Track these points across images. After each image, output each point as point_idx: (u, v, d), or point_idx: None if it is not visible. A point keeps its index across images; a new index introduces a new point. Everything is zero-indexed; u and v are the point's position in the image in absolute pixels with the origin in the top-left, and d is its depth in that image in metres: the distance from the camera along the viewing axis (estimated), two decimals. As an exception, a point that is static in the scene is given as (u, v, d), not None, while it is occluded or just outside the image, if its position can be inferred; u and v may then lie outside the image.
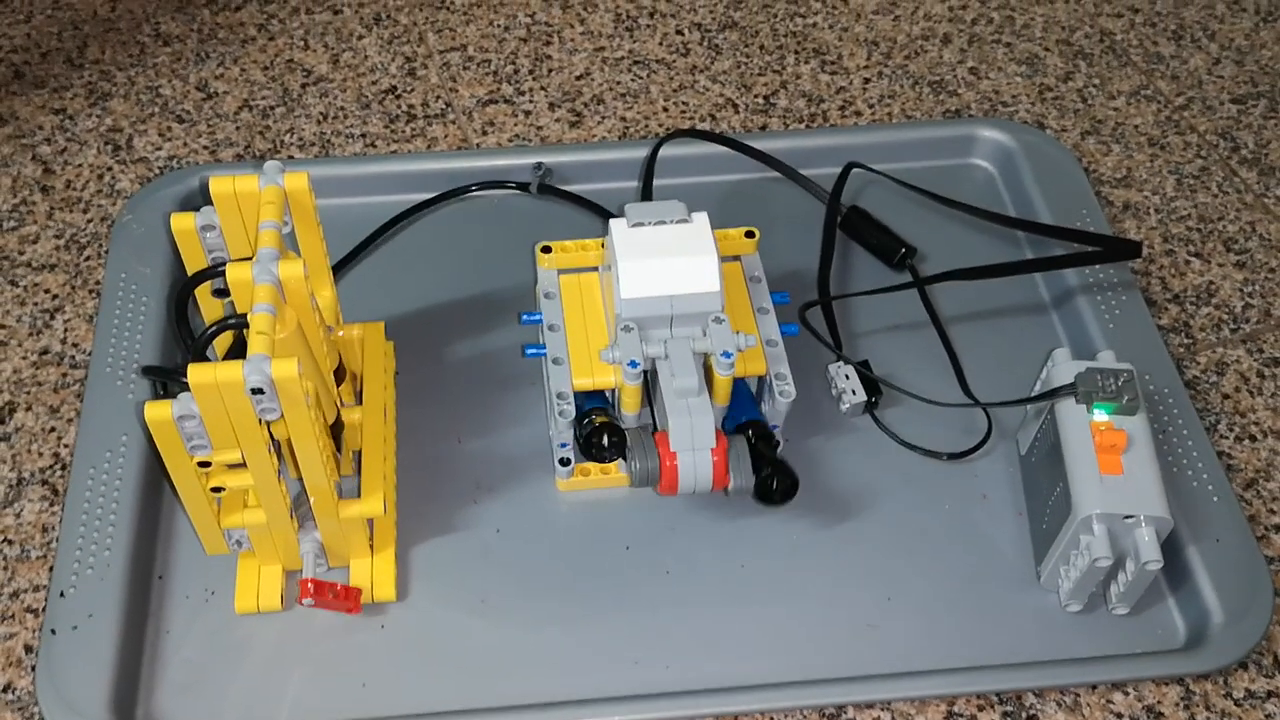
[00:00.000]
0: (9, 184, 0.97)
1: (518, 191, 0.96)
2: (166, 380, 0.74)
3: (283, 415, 0.61)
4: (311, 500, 0.68)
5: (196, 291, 0.72)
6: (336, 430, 0.74)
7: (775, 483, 0.74)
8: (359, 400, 0.78)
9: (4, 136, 1.00)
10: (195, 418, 0.60)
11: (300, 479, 0.67)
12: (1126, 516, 0.69)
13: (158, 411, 0.60)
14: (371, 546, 0.75)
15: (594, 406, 0.76)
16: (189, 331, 0.69)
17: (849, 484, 0.80)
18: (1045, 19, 1.13)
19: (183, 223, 0.68)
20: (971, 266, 0.85)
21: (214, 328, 0.65)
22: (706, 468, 0.72)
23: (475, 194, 0.96)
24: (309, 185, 0.69)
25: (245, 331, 0.65)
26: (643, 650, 0.73)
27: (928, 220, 0.94)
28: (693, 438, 0.72)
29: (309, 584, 0.70)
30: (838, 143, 0.98)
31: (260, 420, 0.61)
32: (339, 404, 0.74)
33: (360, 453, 0.74)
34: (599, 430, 0.74)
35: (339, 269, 0.90)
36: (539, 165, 0.96)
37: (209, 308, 0.74)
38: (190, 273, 0.70)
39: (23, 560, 0.76)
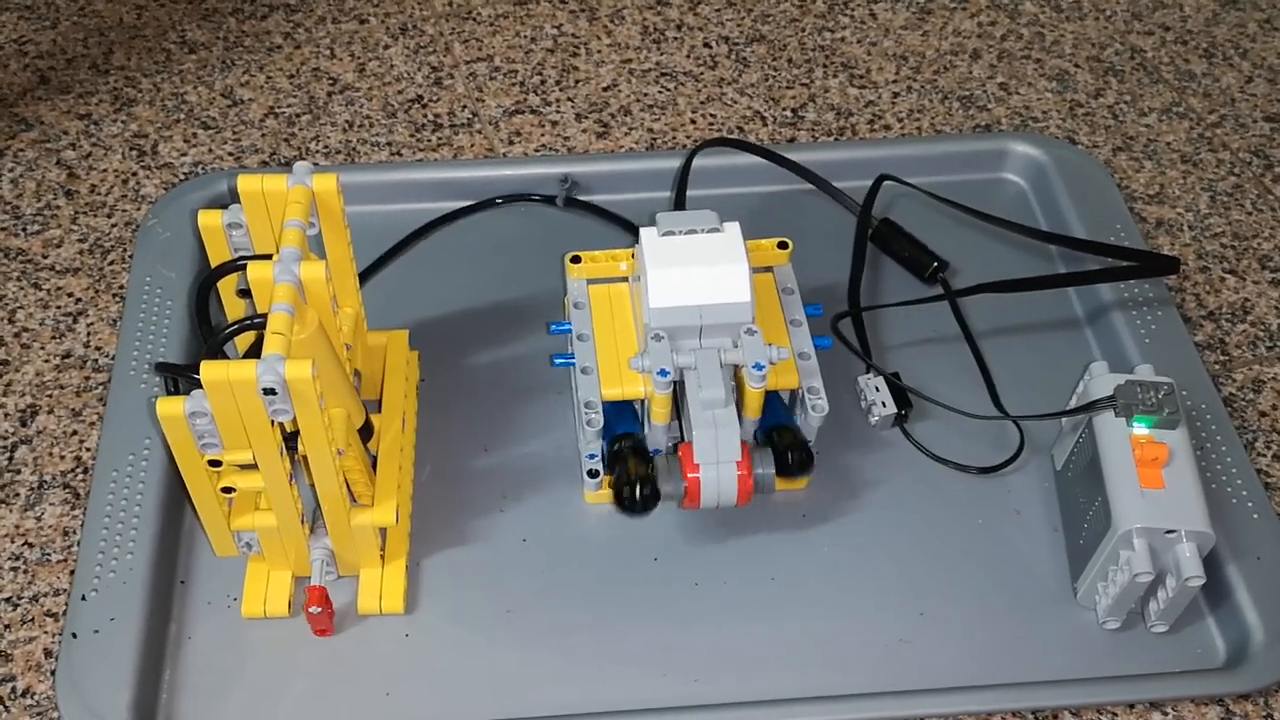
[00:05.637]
0: (33, 188, 0.96)
1: (542, 203, 0.95)
2: (179, 377, 0.72)
3: (295, 417, 0.60)
4: (322, 506, 0.67)
5: (221, 291, 0.71)
6: (366, 434, 0.73)
7: (791, 455, 0.73)
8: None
9: (29, 141, 1.00)
10: (207, 415, 0.59)
11: (312, 484, 0.66)
12: (1168, 531, 0.67)
13: (170, 407, 0.59)
14: (383, 556, 0.73)
15: (625, 432, 0.75)
16: (209, 326, 0.68)
17: (879, 498, 0.79)
18: (1075, 36, 1.12)
19: (210, 219, 0.68)
20: (1005, 280, 0.84)
21: (234, 326, 0.64)
22: (731, 481, 0.71)
23: (501, 205, 0.95)
24: (338, 187, 0.69)
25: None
26: (671, 663, 0.72)
27: (959, 234, 0.93)
28: (717, 450, 0.70)
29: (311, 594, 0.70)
30: (869, 155, 0.97)
31: (272, 422, 0.60)
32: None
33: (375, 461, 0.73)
34: (632, 484, 0.72)
35: (364, 276, 0.89)
36: (565, 178, 0.95)
37: (232, 308, 0.73)
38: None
39: (43, 564, 0.75)
